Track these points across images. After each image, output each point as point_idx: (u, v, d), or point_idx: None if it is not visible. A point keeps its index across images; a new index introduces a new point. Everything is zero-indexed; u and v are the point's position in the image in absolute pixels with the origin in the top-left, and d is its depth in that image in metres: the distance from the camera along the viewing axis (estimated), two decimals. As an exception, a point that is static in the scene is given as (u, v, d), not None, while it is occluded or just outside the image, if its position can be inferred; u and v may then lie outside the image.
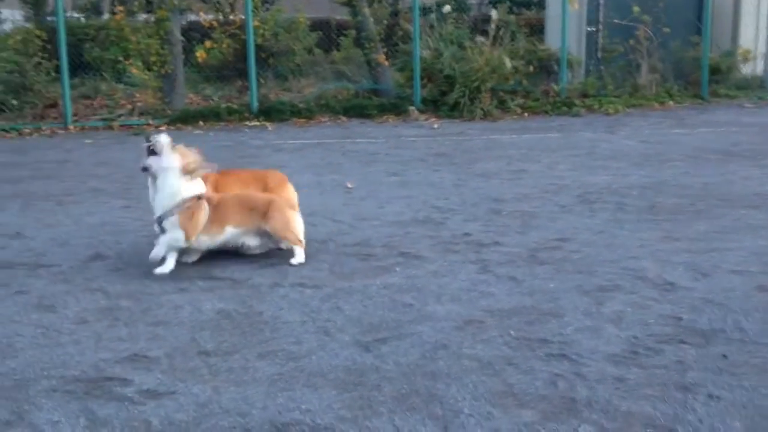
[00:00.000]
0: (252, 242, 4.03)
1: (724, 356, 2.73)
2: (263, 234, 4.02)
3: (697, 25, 11.97)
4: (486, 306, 3.31)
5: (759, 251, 4.00)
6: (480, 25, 12.46)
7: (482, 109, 10.37)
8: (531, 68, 11.32)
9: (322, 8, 15.09)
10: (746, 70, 12.31)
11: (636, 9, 11.56)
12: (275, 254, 4.09)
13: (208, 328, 3.07)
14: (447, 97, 10.57)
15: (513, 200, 5.46)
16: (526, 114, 10.70)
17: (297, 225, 4.04)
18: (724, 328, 2.98)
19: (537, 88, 11.32)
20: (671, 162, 6.88)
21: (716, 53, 12.09)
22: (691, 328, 3.00)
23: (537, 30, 14.17)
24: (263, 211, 3.96)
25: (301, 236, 4.04)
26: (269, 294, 3.47)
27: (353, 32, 12.21)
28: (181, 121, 9.86)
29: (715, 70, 11.76)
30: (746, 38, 12.73)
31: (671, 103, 11.23)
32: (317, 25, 13.42)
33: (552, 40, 12.36)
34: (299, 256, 3.96)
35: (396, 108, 10.69)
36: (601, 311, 3.22)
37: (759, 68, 12.28)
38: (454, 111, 10.46)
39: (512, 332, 3.00)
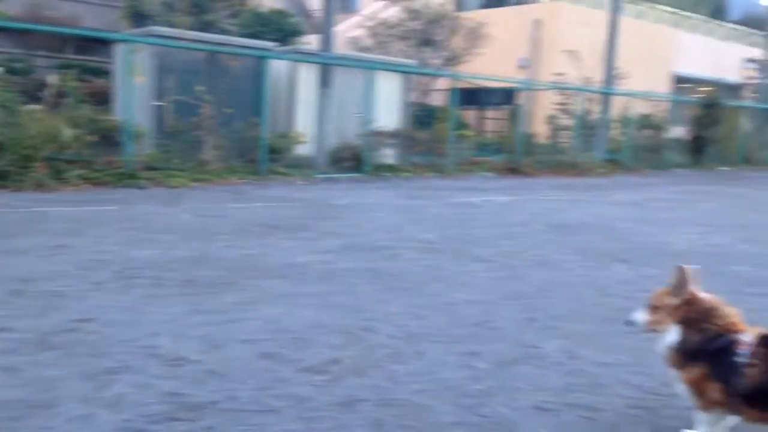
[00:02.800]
0: None
1: (212, 428, 2.79)
2: None
3: (257, 108, 12.94)
4: (-32, 405, 2.89)
5: (272, 319, 4.31)
6: (38, 90, 11.64)
7: (35, 178, 9.57)
8: (94, 138, 10.91)
9: None
10: (299, 150, 13.70)
11: (200, 88, 12.05)
12: None
13: None
14: (-6, 166, 9.51)
15: (42, 279, 5.02)
16: (87, 185, 10.18)
17: None
18: (219, 399, 3.08)
19: (100, 159, 10.91)
20: (220, 235, 7.15)
21: (274, 134, 13.22)
22: (188, 402, 3.02)
23: (105, 99, 13.84)
24: None
25: None
26: None
27: None
28: None
29: (272, 150, 12.82)
30: (300, 123, 14.25)
31: (234, 178, 11.84)
32: None
33: (120, 111, 12.15)
34: None
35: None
36: (101, 396, 3.06)
37: (310, 150, 13.74)
38: (3, 180, 9.44)
39: (-9, 433, 2.66)
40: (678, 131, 22.80)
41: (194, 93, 12.15)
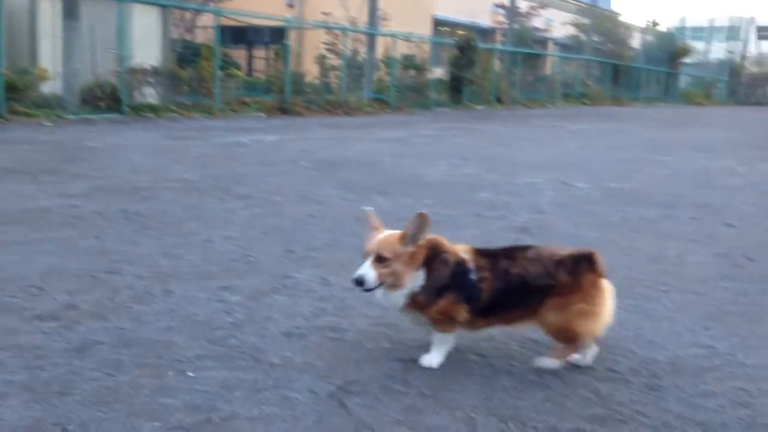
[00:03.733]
0: None
1: None
2: None
3: (-11, 41, 11.48)
4: None
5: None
6: None
7: None
8: None
9: None
10: (45, 89, 12.43)
11: None
12: None
13: None
14: None
15: None
16: None
17: None
18: (-74, 358, 2.72)
19: None
20: (-56, 182, 6.31)
21: (12, 70, 11.83)
22: None
23: None
24: None
25: None
26: None
27: None
28: None
29: (11, 88, 11.48)
30: (45, 58, 12.88)
31: (-36, 120, 10.49)
32: None
33: None
34: None
35: None
36: None
37: (59, 88, 12.53)
38: None
39: None
40: (439, 72, 24.14)
41: None
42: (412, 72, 22.32)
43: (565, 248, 2.87)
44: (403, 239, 2.71)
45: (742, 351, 3.11)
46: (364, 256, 2.71)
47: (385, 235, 2.74)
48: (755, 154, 12.47)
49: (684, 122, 23.07)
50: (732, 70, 49.76)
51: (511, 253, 2.84)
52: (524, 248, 2.88)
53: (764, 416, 2.51)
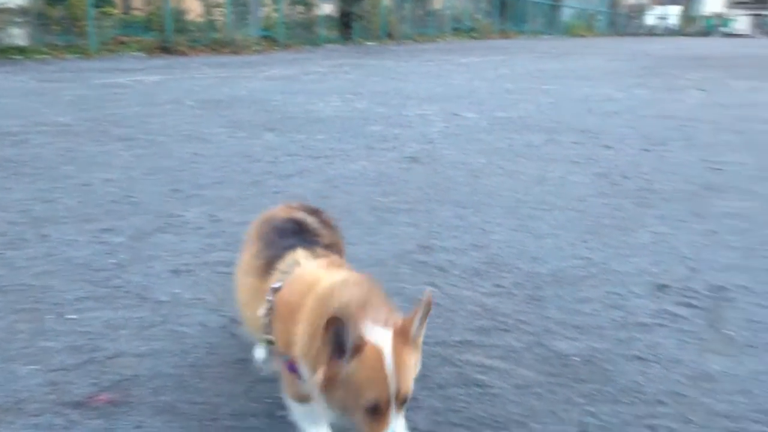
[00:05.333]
0: None
1: None
2: None
3: None
4: None
5: None
6: None
7: None
8: None
9: None
10: None
11: None
12: None
13: None
14: None
15: None
16: None
17: None
18: None
19: None
20: None
21: None
22: None
23: None
24: None
25: None
26: None
27: None
28: None
29: None
30: None
31: None
32: None
33: None
34: None
35: None
36: None
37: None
38: None
39: None
40: (328, 8, 23.65)
41: None
42: (300, 8, 21.76)
43: (287, 208, 2.16)
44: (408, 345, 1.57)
45: (616, 259, 3.30)
46: (379, 407, 1.48)
47: (399, 354, 1.51)
48: (631, 80, 13.03)
49: (567, 53, 23.76)
50: (612, 1, 51.44)
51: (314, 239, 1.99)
52: (301, 225, 2.04)
53: (635, 316, 2.68)
